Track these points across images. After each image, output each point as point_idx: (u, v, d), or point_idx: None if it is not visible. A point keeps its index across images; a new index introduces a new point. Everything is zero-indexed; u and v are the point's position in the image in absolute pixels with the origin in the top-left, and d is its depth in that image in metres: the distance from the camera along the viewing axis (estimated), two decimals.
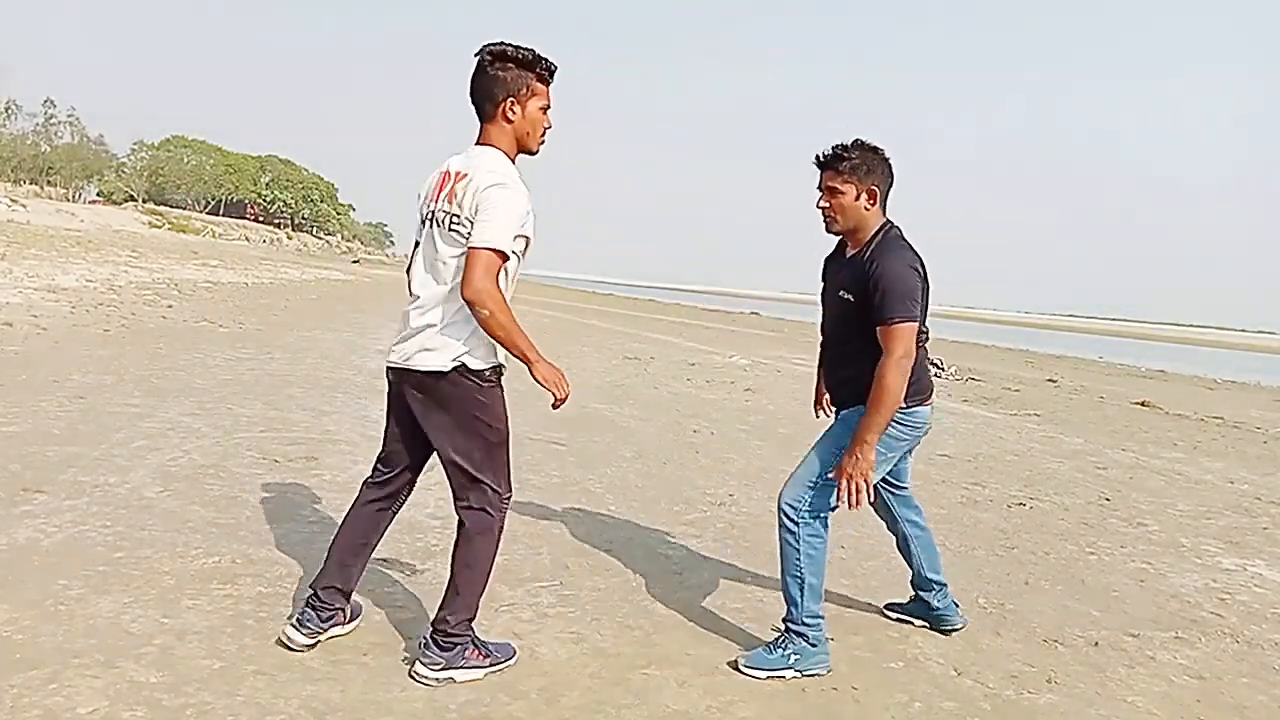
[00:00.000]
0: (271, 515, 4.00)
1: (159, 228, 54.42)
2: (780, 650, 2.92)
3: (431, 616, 2.89)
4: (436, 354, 2.56)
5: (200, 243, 45.93)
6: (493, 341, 2.56)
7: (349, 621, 2.90)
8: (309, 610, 2.77)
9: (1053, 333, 70.90)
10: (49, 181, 68.58)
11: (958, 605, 3.44)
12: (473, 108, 2.62)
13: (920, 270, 2.90)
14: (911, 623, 3.44)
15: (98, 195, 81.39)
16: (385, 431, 2.84)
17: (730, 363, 14.20)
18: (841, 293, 3.00)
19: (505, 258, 2.50)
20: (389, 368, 2.72)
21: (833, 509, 2.99)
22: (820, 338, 3.29)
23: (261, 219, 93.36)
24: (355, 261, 66.20)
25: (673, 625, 3.25)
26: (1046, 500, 5.96)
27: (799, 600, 2.94)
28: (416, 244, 2.69)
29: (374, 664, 2.71)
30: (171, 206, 75.52)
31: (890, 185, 3.01)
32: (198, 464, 4.70)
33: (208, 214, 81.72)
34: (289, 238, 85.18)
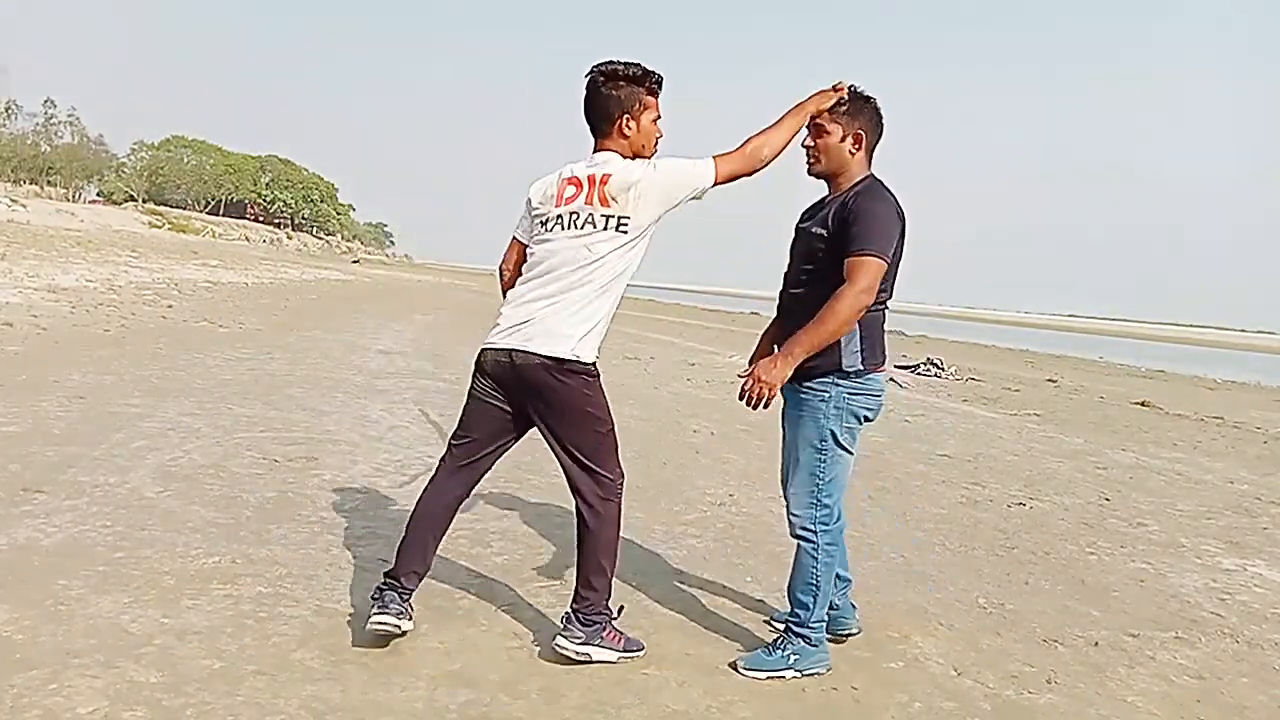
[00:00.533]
0: (271, 515, 4.00)
1: (159, 228, 54.46)
2: (780, 651, 2.91)
3: (432, 615, 2.91)
4: (559, 344, 2.70)
5: (200, 243, 45.93)
6: (598, 341, 2.77)
7: (410, 618, 2.85)
8: (390, 592, 2.80)
9: (1053, 333, 70.90)
10: (49, 181, 68.58)
11: (855, 607, 3.27)
12: (588, 125, 2.79)
13: (901, 218, 2.83)
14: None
15: (98, 195, 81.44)
16: (466, 418, 2.90)
17: (730, 363, 14.19)
18: (814, 228, 2.90)
19: None
20: (491, 351, 2.79)
21: (838, 512, 2.96)
22: (780, 292, 3.11)
23: (261, 219, 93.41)
24: (355, 261, 66.23)
25: (673, 625, 3.25)
26: (1046, 500, 5.96)
27: (811, 606, 2.91)
28: (515, 241, 2.95)
29: (374, 664, 2.71)
30: (171, 206, 75.54)
31: (879, 136, 2.95)
32: (198, 464, 4.70)
33: (208, 214, 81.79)
34: (289, 238, 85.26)
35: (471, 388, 2.88)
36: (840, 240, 2.80)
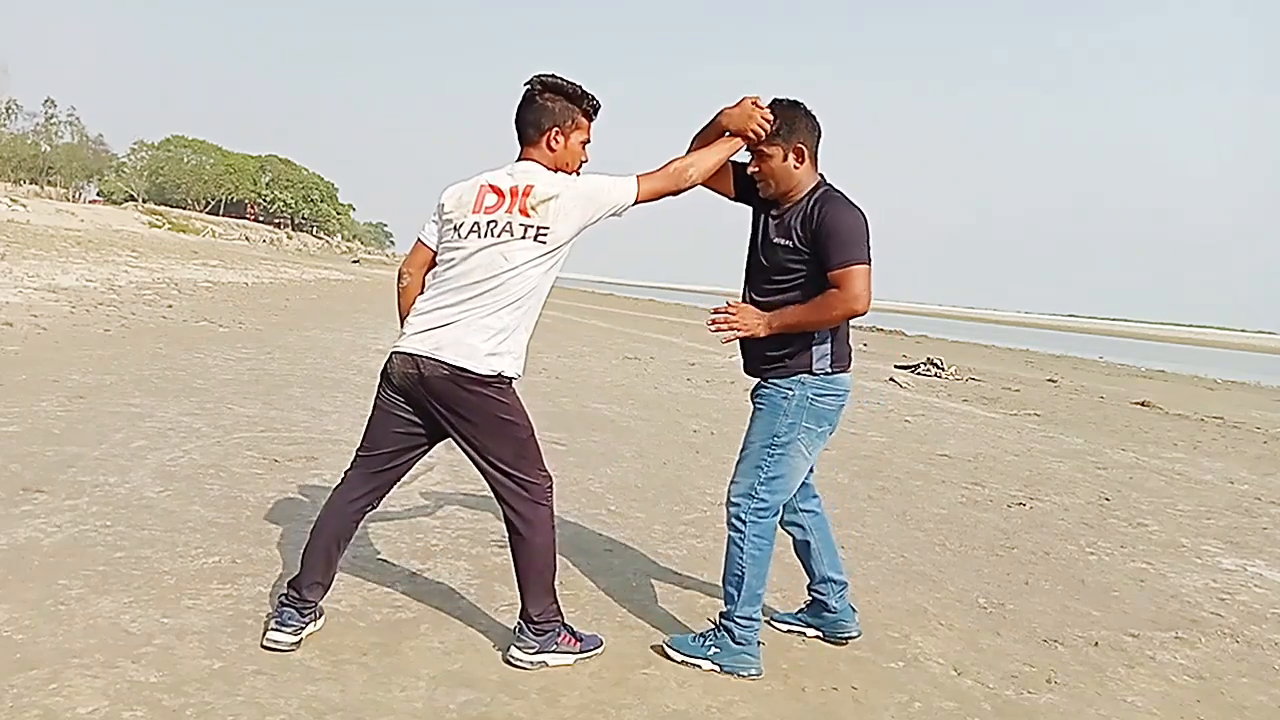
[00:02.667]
0: (271, 515, 4.00)
1: (159, 228, 54.45)
2: (704, 640, 2.91)
3: (432, 615, 2.91)
4: (469, 353, 2.62)
5: (200, 243, 45.94)
6: (515, 351, 2.68)
7: (318, 619, 2.87)
8: (288, 609, 2.76)
9: (1053, 333, 70.89)
10: (49, 181, 68.64)
11: (854, 610, 3.24)
12: (516, 131, 2.75)
13: (866, 224, 2.86)
14: (804, 634, 3.23)
15: (98, 195, 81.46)
16: (372, 430, 2.82)
17: (730, 363, 14.19)
18: (779, 240, 2.91)
19: None
20: (399, 358, 2.70)
21: (781, 503, 2.95)
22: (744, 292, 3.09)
23: (261, 219, 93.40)
24: (355, 261, 66.21)
25: (672, 625, 3.25)
26: (1046, 500, 5.96)
27: (734, 598, 2.91)
28: (421, 244, 2.83)
29: (374, 664, 2.71)
30: (171, 206, 75.51)
31: (817, 139, 2.95)
32: (198, 464, 4.70)
33: (208, 214, 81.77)
34: (289, 238, 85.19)
35: (377, 398, 2.81)
36: (814, 253, 2.83)
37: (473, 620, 3.10)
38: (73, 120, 76.62)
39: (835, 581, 3.18)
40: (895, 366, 16.30)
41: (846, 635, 3.19)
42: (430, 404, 2.69)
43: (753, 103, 2.86)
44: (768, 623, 3.34)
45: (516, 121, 2.75)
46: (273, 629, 2.74)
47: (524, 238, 2.64)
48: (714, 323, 2.92)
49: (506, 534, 2.82)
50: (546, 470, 2.82)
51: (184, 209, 78.53)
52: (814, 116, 2.95)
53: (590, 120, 2.79)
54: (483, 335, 2.63)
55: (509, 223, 2.65)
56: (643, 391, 9.55)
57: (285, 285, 23.07)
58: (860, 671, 3.01)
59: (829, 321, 2.83)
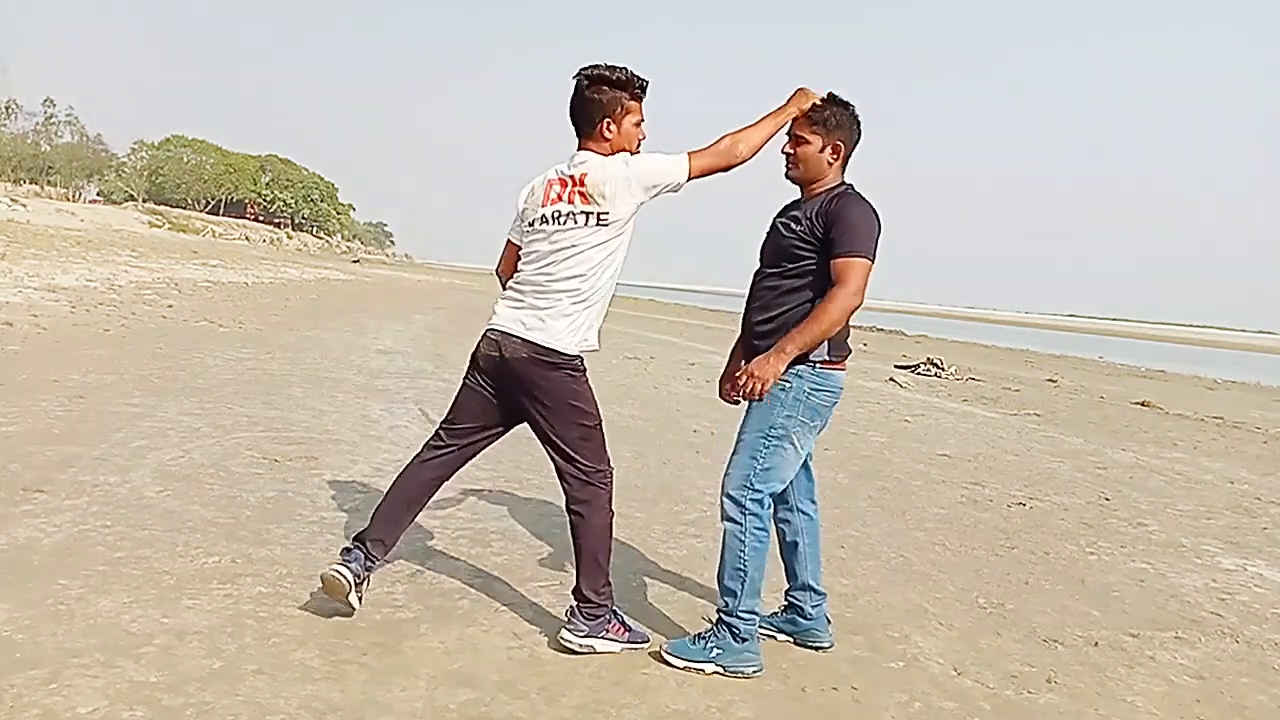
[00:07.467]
0: (271, 515, 4.00)
1: (159, 227, 54.43)
2: (704, 642, 2.89)
3: (432, 615, 2.90)
4: (546, 333, 2.82)
5: (200, 242, 45.93)
6: (588, 330, 2.88)
7: (359, 600, 2.97)
8: (354, 550, 2.93)
9: (1053, 333, 70.89)
10: (49, 181, 68.57)
11: (829, 621, 3.18)
12: (572, 126, 2.90)
13: (879, 223, 2.88)
14: (774, 638, 3.16)
15: (98, 195, 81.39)
16: (457, 404, 3.04)
17: None
18: (789, 230, 2.93)
19: None
20: (484, 341, 2.93)
21: (773, 494, 2.94)
22: (750, 290, 3.13)
23: (261, 219, 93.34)
24: (355, 261, 66.23)
25: (672, 625, 3.25)
26: (1046, 500, 5.96)
27: (737, 593, 2.89)
28: (510, 243, 3.06)
29: (374, 664, 2.71)
30: (171, 206, 75.47)
31: (855, 144, 2.99)
32: (198, 464, 4.70)
33: (208, 214, 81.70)
34: (289, 237, 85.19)
35: (465, 377, 3.04)
36: (822, 243, 2.85)
37: (473, 620, 3.10)
38: (72, 120, 76.68)
39: (814, 591, 3.15)
40: (895, 366, 16.31)
41: (818, 645, 3.15)
42: (509, 383, 2.89)
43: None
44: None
45: (571, 117, 2.89)
46: (337, 562, 2.90)
47: (586, 224, 2.81)
48: (730, 397, 3.04)
49: (566, 515, 2.97)
50: (609, 459, 2.98)
51: (184, 209, 78.46)
52: (859, 122, 2.99)
53: (640, 101, 2.90)
54: (557, 317, 2.83)
55: (571, 211, 2.82)
56: (643, 391, 9.56)
57: (285, 285, 23.07)
58: (860, 671, 3.00)
59: (833, 323, 2.81)
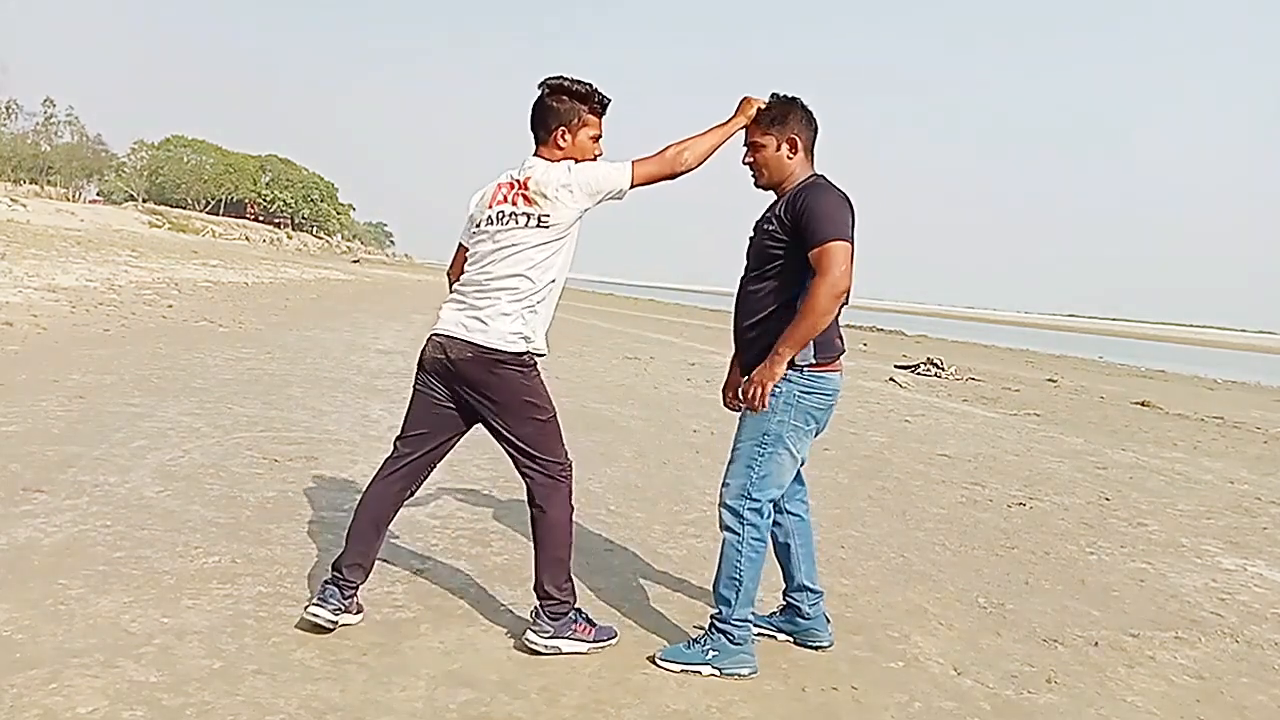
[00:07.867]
0: (271, 515, 4.00)
1: (159, 227, 54.46)
2: (699, 646, 2.89)
3: (432, 615, 2.89)
4: (489, 334, 2.81)
5: (200, 242, 45.94)
6: (533, 331, 2.84)
7: (358, 613, 2.96)
8: (330, 587, 2.89)
9: (1053, 333, 70.89)
10: (49, 181, 68.55)
11: (829, 620, 3.20)
12: (531, 132, 2.92)
13: (851, 207, 2.87)
14: (774, 638, 3.17)
15: (98, 195, 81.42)
16: (410, 414, 2.99)
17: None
18: (765, 224, 2.95)
19: None
20: (429, 344, 2.91)
21: (772, 501, 2.94)
22: (736, 293, 3.13)
23: (261, 219, 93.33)
24: (355, 261, 66.23)
25: (672, 625, 3.25)
26: (1046, 500, 5.96)
27: (731, 601, 2.89)
28: (460, 247, 3.05)
29: (374, 664, 2.71)
30: (171, 206, 75.47)
31: (813, 134, 2.99)
32: (198, 464, 4.70)
33: (208, 214, 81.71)
34: (289, 237, 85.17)
35: (415, 384, 3.00)
36: (795, 238, 2.84)
37: (473, 620, 3.10)
38: (72, 120, 76.65)
39: (811, 590, 3.15)
40: (895, 366, 16.31)
41: (818, 644, 3.15)
42: (459, 385, 2.87)
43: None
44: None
45: (530, 122, 2.92)
46: (314, 604, 2.85)
47: (528, 225, 2.82)
48: (734, 405, 3.08)
49: (529, 510, 2.95)
50: (566, 451, 2.97)
51: (184, 209, 78.47)
52: (810, 112, 2.99)
53: (600, 116, 2.92)
54: (497, 316, 2.81)
55: (513, 213, 2.84)
56: (643, 391, 9.55)
57: (285, 285, 23.07)
58: (860, 671, 3.01)
59: (822, 312, 2.75)
